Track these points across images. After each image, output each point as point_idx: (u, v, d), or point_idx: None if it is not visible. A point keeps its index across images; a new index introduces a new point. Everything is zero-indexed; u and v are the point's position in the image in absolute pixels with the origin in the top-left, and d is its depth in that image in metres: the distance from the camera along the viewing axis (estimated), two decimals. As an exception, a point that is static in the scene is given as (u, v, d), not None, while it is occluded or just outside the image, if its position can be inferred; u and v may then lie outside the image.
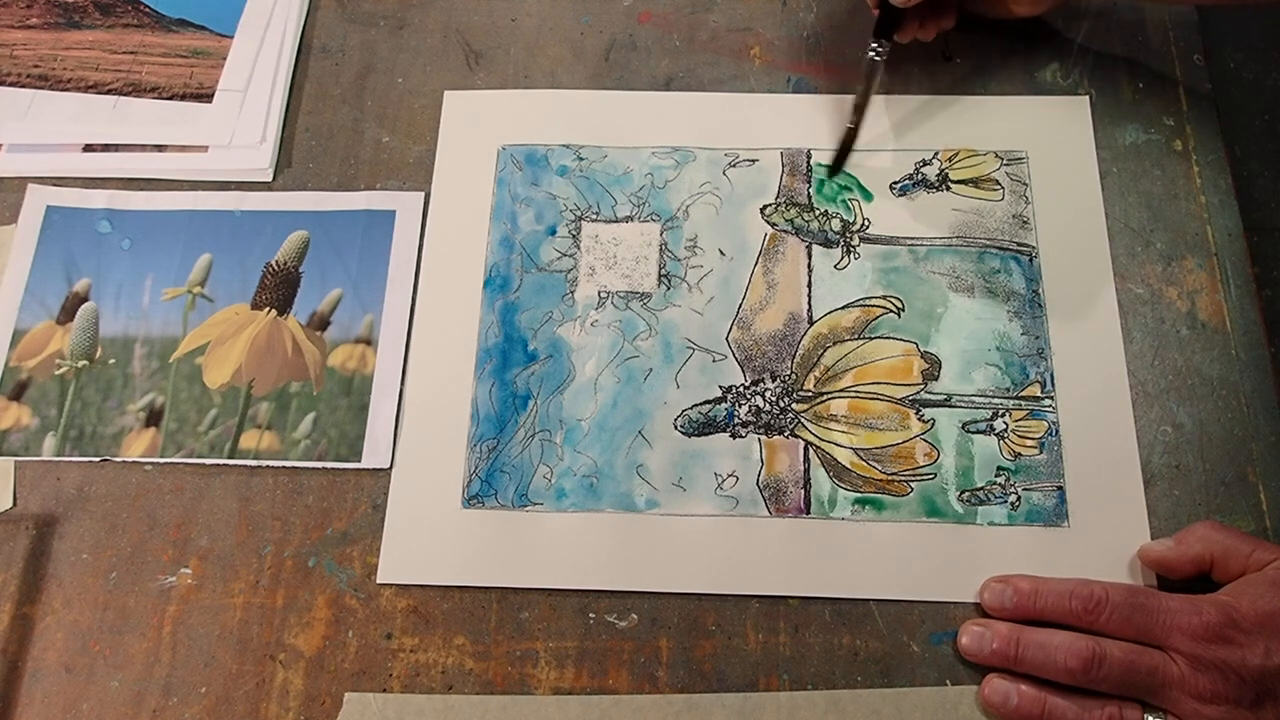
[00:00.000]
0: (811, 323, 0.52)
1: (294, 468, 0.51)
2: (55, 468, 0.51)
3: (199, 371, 0.53)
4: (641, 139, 0.57)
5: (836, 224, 0.55)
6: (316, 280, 0.55)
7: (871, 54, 0.53)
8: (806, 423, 0.50)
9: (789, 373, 0.51)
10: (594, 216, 0.55)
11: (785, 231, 0.55)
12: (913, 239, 0.54)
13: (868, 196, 0.55)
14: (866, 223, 0.54)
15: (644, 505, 0.49)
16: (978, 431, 0.50)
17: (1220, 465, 0.49)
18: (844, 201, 0.55)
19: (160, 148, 0.58)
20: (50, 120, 0.59)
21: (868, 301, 0.53)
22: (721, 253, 0.54)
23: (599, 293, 0.54)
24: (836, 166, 0.55)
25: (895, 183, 0.55)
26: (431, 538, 0.49)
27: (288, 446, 0.51)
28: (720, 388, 0.51)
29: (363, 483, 0.50)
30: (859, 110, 0.54)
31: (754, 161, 0.56)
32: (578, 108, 0.58)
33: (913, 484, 0.49)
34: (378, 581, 0.48)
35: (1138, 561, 0.47)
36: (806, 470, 0.49)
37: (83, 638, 0.48)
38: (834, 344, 0.52)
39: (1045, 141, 0.56)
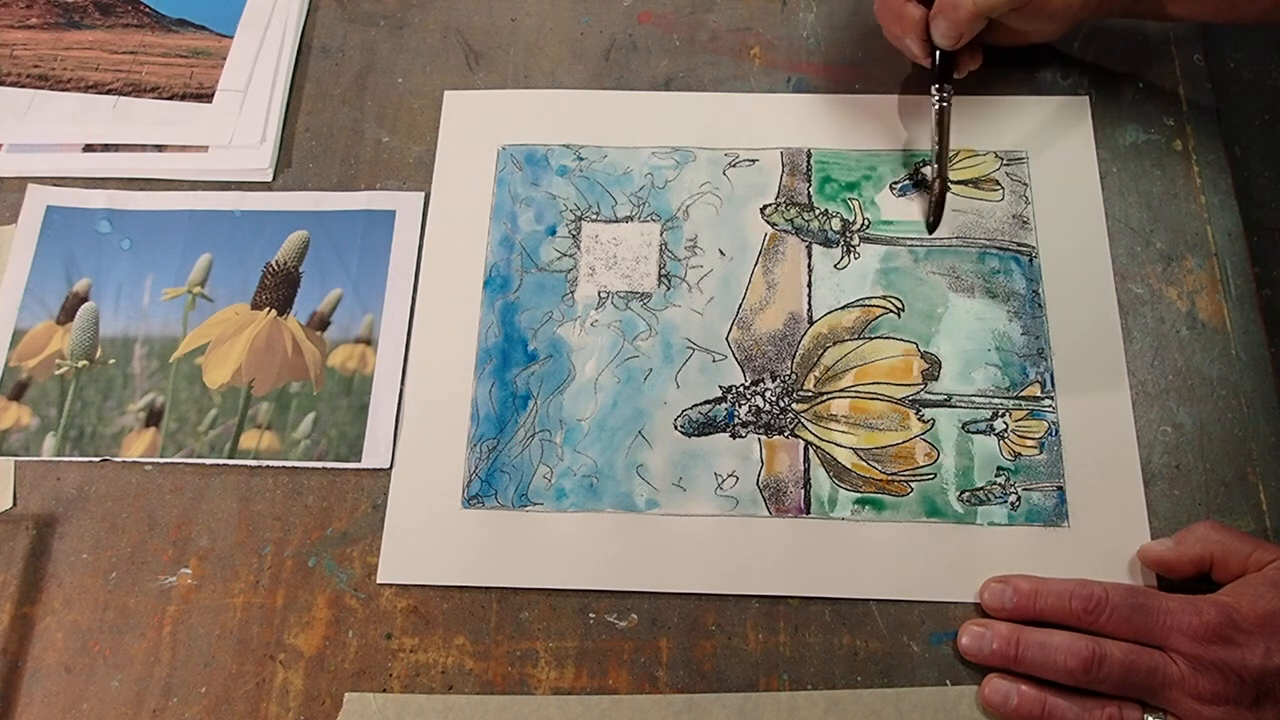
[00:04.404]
0: (811, 323, 0.52)
1: (294, 468, 0.51)
2: (55, 468, 0.51)
3: (199, 371, 0.53)
4: (641, 139, 0.57)
5: (836, 224, 0.55)
6: (316, 280, 0.55)
7: (937, 102, 0.53)
8: (806, 423, 0.50)
9: (789, 373, 0.51)
10: (594, 216, 0.55)
11: (785, 231, 0.55)
12: (913, 239, 0.54)
13: (868, 199, 0.55)
14: (866, 223, 0.54)
15: (644, 505, 0.49)
16: (978, 431, 0.50)
17: (1220, 465, 0.49)
18: (844, 201, 0.55)
19: (160, 148, 0.58)
20: (50, 120, 0.59)
21: (868, 301, 0.53)
22: (721, 253, 0.54)
23: (599, 293, 0.54)
24: (935, 224, 0.53)
25: (895, 183, 0.55)
26: (431, 538, 0.49)
27: (288, 446, 0.51)
28: (720, 388, 0.51)
29: (363, 483, 0.50)
30: (941, 162, 0.53)
31: (754, 161, 0.56)
32: (578, 108, 0.58)
33: (913, 484, 0.49)
34: (378, 581, 0.48)
35: (1138, 561, 0.47)
36: (806, 470, 0.49)
37: (83, 638, 0.48)
38: (834, 344, 0.52)
39: (1045, 141, 0.56)
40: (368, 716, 0.46)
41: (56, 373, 0.53)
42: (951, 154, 0.56)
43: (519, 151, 0.57)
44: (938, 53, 0.53)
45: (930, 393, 0.51)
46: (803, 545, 0.48)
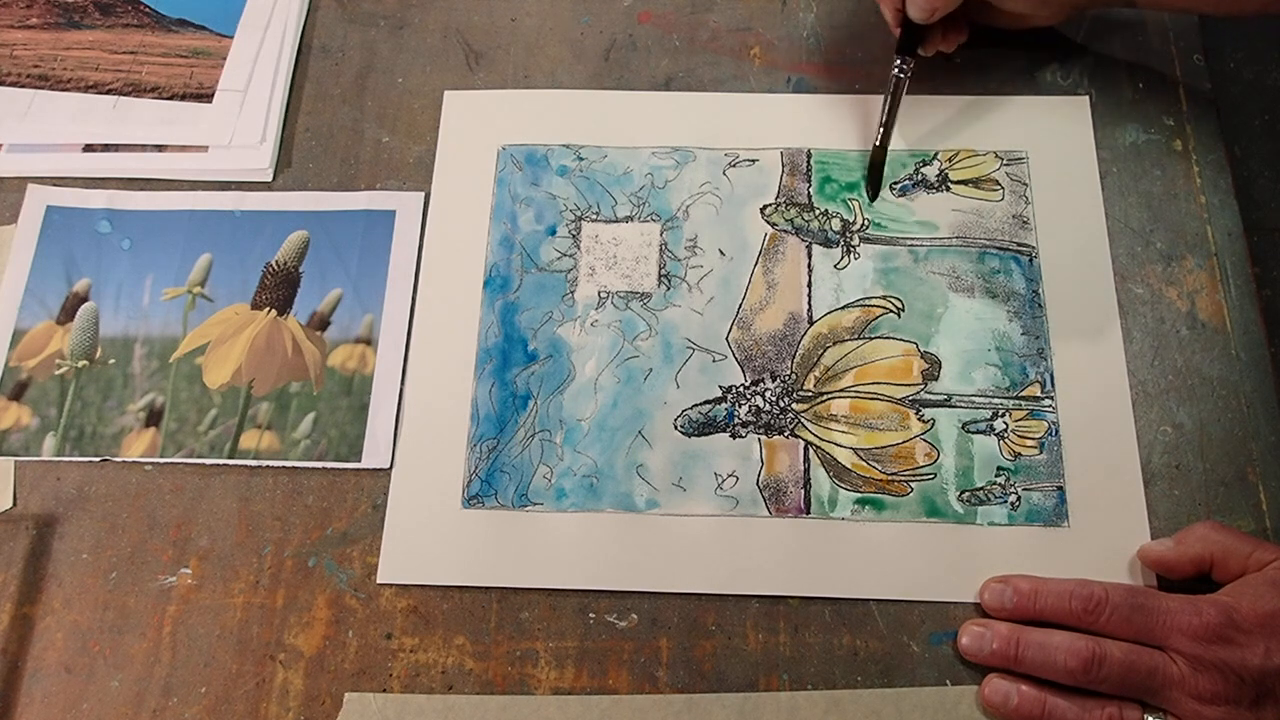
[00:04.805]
0: (811, 323, 0.52)
1: (294, 468, 0.51)
2: (55, 468, 0.51)
3: (199, 371, 0.53)
4: (641, 139, 0.57)
5: (836, 224, 0.55)
6: (316, 280, 0.55)
7: (897, 72, 0.53)
8: (806, 423, 0.50)
9: (789, 373, 0.51)
10: (594, 216, 0.55)
11: (785, 231, 0.55)
12: (913, 239, 0.54)
13: (868, 200, 0.55)
14: (866, 223, 0.54)
15: (644, 505, 0.49)
16: (978, 431, 0.50)
17: (1220, 465, 0.49)
18: (844, 201, 0.55)
19: (160, 148, 0.58)
20: (50, 120, 0.59)
21: (868, 301, 0.53)
22: (721, 253, 0.54)
23: (599, 293, 0.54)
24: (874, 190, 0.54)
25: (895, 183, 0.55)
26: (431, 538, 0.49)
27: (288, 446, 0.51)
28: (720, 388, 0.51)
29: (363, 483, 0.50)
30: (886, 129, 0.53)
31: (754, 161, 0.56)
32: (578, 108, 0.58)
33: (913, 484, 0.49)
34: (378, 581, 0.48)
35: (1138, 561, 0.47)
36: (806, 470, 0.49)
37: (83, 638, 0.48)
38: (834, 344, 0.52)
39: (1045, 141, 0.56)
40: (368, 716, 0.46)
41: (56, 373, 0.53)
42: (952, 154, 0.56)
43: (519, 151, 0.57)
44: (905, 23, 0.53)
45: (930, 393, 0.51)
46: (803, 545, 0.48)
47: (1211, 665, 0.41)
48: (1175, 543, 0.46)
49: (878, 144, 0.54)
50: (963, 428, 0.50)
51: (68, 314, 0.54)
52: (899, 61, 0.53)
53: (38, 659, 0.47)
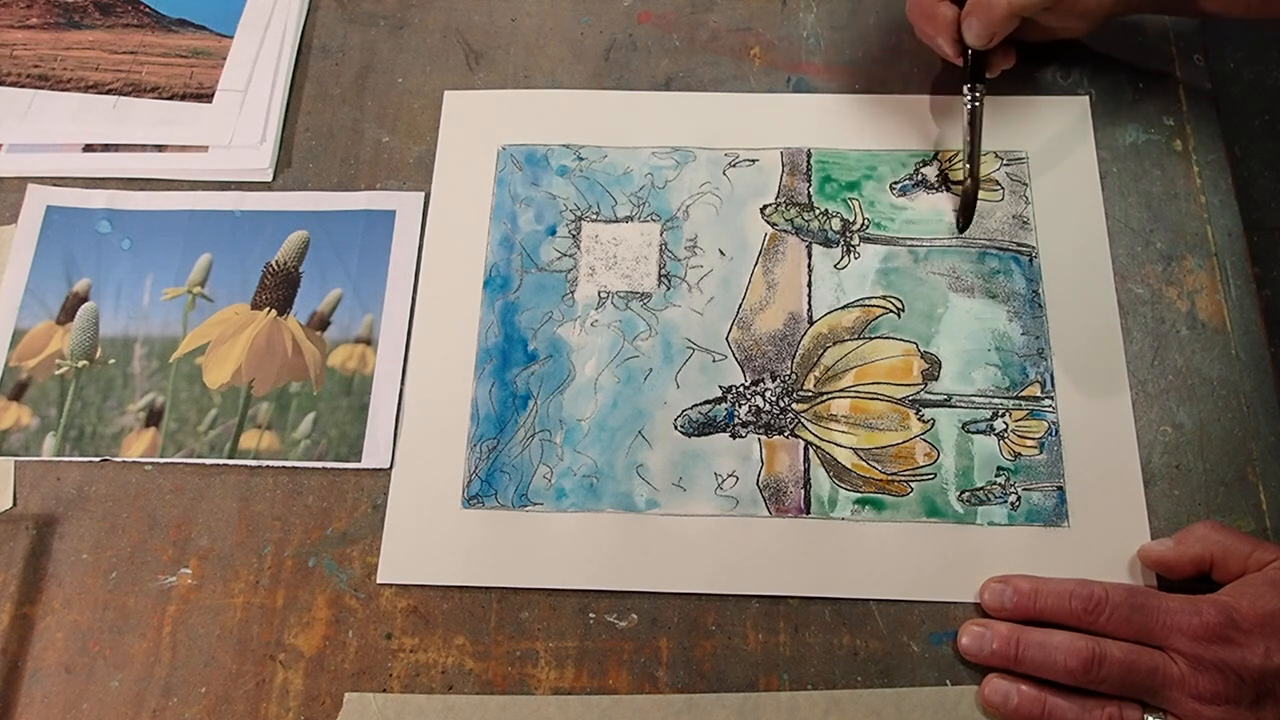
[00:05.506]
0: (811, 323, 0.52)
1: (294, 468, 0.51)
2: (55, 468, 0.51)
3: (199, 371, 0.53)
4: (641, 139, 0.57)
5: (836, 224, 0.55)
6: (316, 280, 0.55)
7: (970, 102, 0.52)
8: (806, 423, 0.50)
9: (789, 373, 0.51)
10: (594, 216, 0.55)
11: (785, 231, 0.55)
12: (913, 239, 0.54)
13: (868, 199, 0.55)
14: (866, 222, 0.54)
15: (644, 505, 0.49)
16: (978, 431, 0.50)
17: (1220, 465, 0.49)
18: (844, 201, 0.55)
19: (160, 148, 0.58)
20: (50, 120, 0.59)
21: (868, 301, 0.53)
22: (721, 253, 0.54)
23: (599, 293, 0.54)
24: (966, 224, 0.53)
25: (895, 183, 0.55)
26: (431, 538, 0.49)
27: (288, 446, 0.51)
28: (720, 388, 0.51)
29: (363, 483, 0.50)
30: (974, 163, 0.52)
31: (754, 161, 0.56)
32: (578, 108, 0.58)
33: (913, 484, 0.49)
34: (378, 581, 0.48)
35: (1138, 561, 0.47)
36: (806, 470, 0.49)
37: (83, 638, 0.48)
38: (834, 344, 0.52)
39: (1045, 141, 0.56)
40: (368, 716, 0.46)
41: (56, 373, 0.53)
42: (951, 154, 0.56)
43: (519, 151, 0.57)
44: (970, 52, 0.52)
45: (930, 393, 0.51)
46: (803, 545, 0.48)
47: (1211, 665, 0.41)
48: (1175, 543, 0.46)
49: (969, 182, 0.52)
50: (963, 428, 0.50)
51: (68, 314, 0.54)
52: (970, 90, 0.52)
53: (38, 659, 0.47)
